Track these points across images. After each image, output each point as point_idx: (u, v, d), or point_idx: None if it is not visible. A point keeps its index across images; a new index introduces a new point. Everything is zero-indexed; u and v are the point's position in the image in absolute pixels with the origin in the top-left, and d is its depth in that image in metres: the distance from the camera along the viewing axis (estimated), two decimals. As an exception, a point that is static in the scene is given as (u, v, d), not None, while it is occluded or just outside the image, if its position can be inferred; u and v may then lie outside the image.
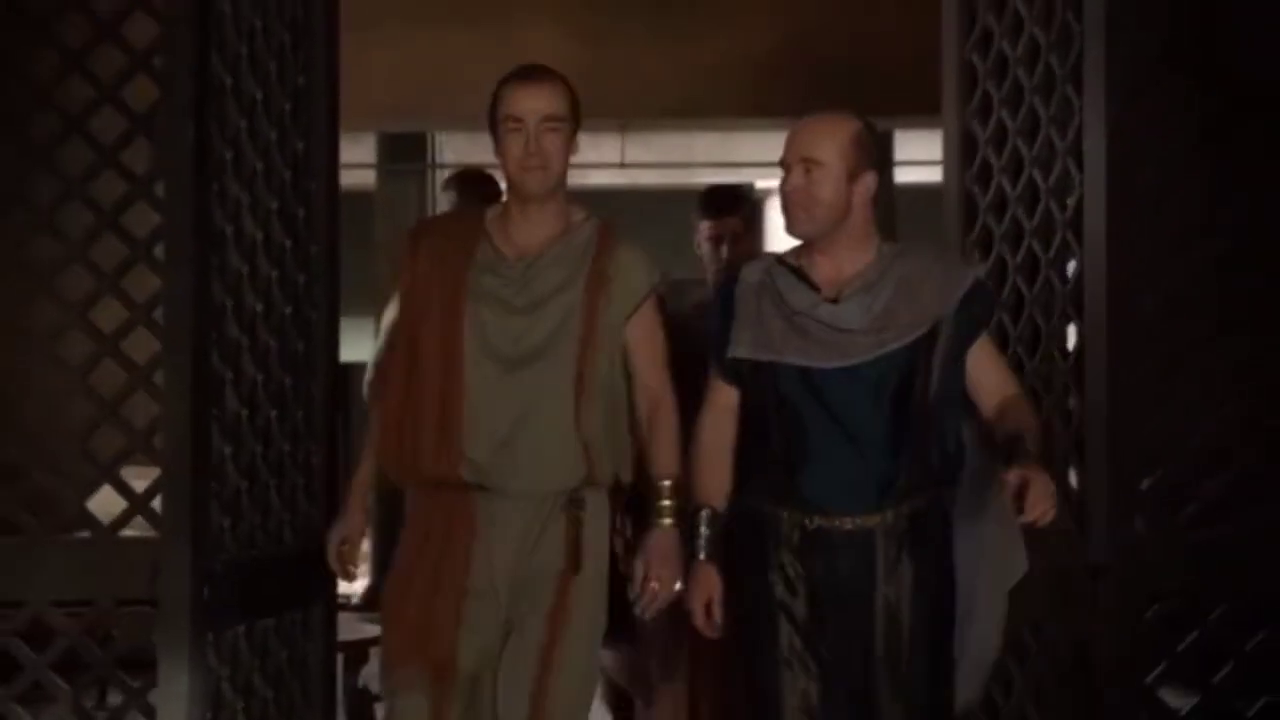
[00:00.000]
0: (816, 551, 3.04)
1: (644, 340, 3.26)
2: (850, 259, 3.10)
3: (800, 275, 3.13)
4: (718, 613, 3.11)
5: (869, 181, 3.08)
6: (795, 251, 3.18)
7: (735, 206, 4.01)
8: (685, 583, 3.13)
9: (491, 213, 3.32)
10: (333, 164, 3.91)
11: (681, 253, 4.38)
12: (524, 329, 3.19)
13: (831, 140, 3.06)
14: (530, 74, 3.23)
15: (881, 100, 6.73)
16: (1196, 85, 3.53)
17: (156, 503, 3.36)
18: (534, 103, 3.18)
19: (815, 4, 7.79)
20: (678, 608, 3.17)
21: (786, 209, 3.10)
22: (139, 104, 3.42)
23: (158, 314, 3.37)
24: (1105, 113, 3.35)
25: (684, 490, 3.20)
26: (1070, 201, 3.49)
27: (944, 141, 3.98)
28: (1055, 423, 3.57)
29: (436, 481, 3.20)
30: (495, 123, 3.22)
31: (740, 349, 3.13)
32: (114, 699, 3.75)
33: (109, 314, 3.43)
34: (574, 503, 3.20)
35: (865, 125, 3.10)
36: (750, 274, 3.19)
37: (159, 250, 3.37)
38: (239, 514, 3.48)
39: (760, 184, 7.78)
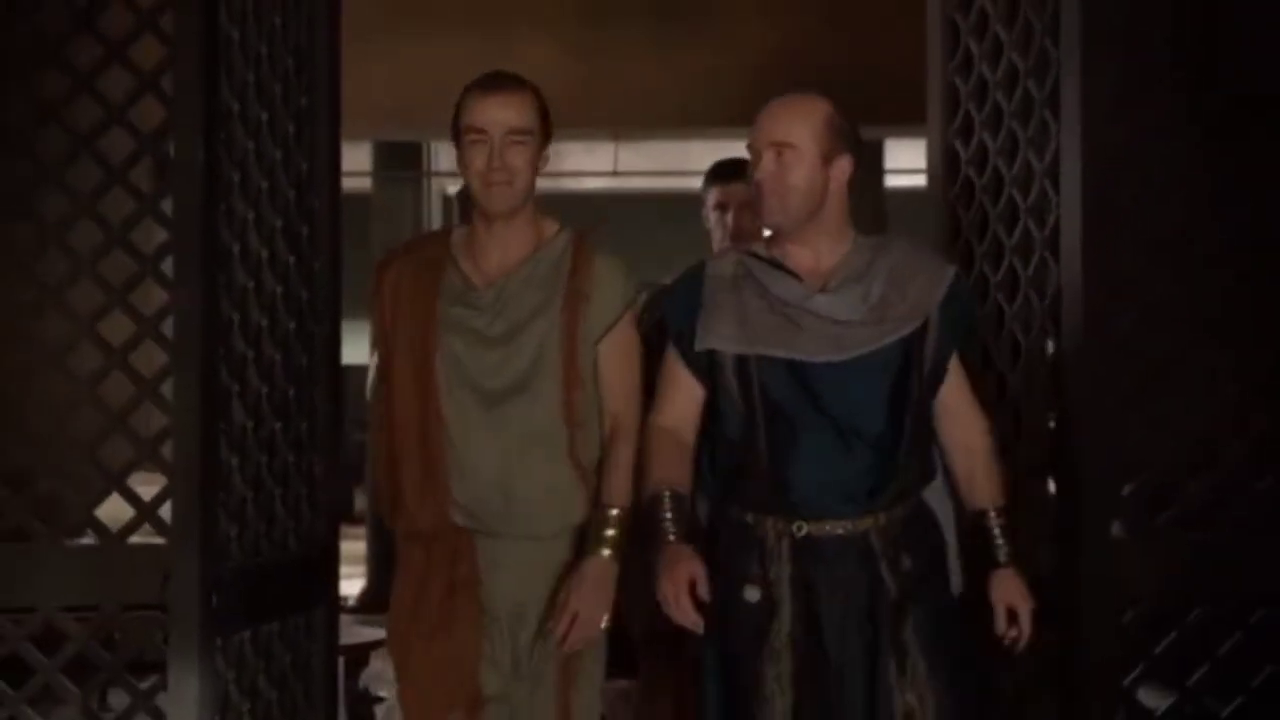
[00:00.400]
0: (809, 561, 2.91)
1: (614, 359, 3.07)
2: (829, 249, 2.96)
3: (778, 266, 2.97)
4: (704, 591, 2.82)
5: (844, 165, 2.93)
6: (765, 243, 3.03)
7: (742, 173, 3.81)
8: (659, 580, 2.84)
9: (457, 235, 3.15)
10: (334, 181, 3.98)
11: (678, 259, 4.39)
12: (501, 360, 3.02)
13: (803, 122, 2.90)
14: (496, 83, 3.04)
15: (875, 107, 6.82)
16: (1176, 104, 3.60)
17: (162, 509, 3.44)
18: (499, 114, 2.99)
19: (808, 13, 7.86)
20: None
21: (759, 198, 2.95)
22: (145, 123, 3.49)
23: (164, 327, 3.45)
24: (1081, 137, 3.41)
25: (629, 522, 2.98)
26: (1049, 221, 3.57)
27: (928, 161, 4.05)
28: (1036, 431, 3.65)
29: (426, 529, 3.06)
30: (457, 133, 3.03)
31: (719, 341, 2.94)
32: (115, 700, 3.82)
33: (117, 327, 3.50)
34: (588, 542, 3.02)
35: (836, 107, 2.95)
36: (721, 266, 3.03)
37: (165, 265, 3.44)
38: (245, 522, 3.56)
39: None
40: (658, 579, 2.83)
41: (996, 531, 3.01)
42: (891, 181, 9.39)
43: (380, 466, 3.10)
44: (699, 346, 2.96)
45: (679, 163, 9.56)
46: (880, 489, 2.92)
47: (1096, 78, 3.44)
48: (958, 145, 3.95)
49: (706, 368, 2.97)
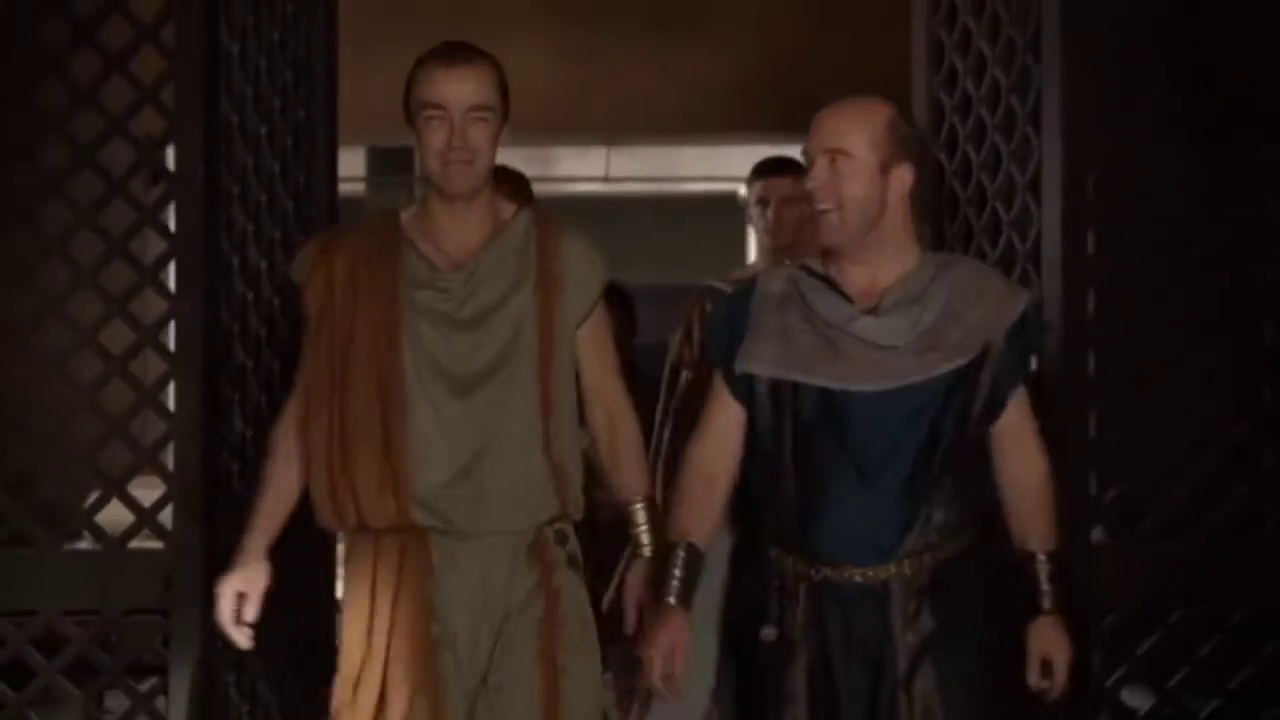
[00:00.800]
0: (824, 607, 2.75)
1: (595, 342, 2.92)
2: (888, 267, 2.76)
3: (830, 284, 2.79)
4: (680, 666, 2.74)
5: (904, 175, 2.74)
6: (821, 259, 2.83)
7: (783, 169, 3.88)
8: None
9: (407, 217, 2.93)
10: (332, 190, 4.05)
11: (673, 261, 4.38)
12: (473, 344, 2.83)
13: (861, 127, 2.71)
14: (455, 56, 2.83)
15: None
16: (1155, 120, 3.65)
17: (161, 514, 3.48)
18: (460, 89, 2.78)
19: (801, 21, 7.88)
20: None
21: (815, 211, 2.76)
22: (145, 135, 3.53)
23: (162, 336, 3.49)
24: (1062, 152, 3.47)
25: (655, 506, 2.90)
26: (1030, 234, 3.61)
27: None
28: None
29: (380, 526, 2.81)
30: (410, 108, 2.83)
31: (758, 364, 2.78)
32: (113, 703, 3.86)
33: (116, 335, 3.53)
34: (560, 538, 2.87)
35: (899, 113, 2.78)
36: (771, 284, 2.86)
37: (164, 275, 3.50)
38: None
39: (744, 193, 7.87)
40: (644, 637, 2.79)
41: (1043, 577, 2.84)
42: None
43: (320, 459, 2.85)
44: (738, 369, 2.82)
45: (672, 169, 9.56)
46: (907, 530, 2.74)
47: (1077, 94, 3.49)
48: (943, 158, 4.00)
49: (746, 391, 2.82)
